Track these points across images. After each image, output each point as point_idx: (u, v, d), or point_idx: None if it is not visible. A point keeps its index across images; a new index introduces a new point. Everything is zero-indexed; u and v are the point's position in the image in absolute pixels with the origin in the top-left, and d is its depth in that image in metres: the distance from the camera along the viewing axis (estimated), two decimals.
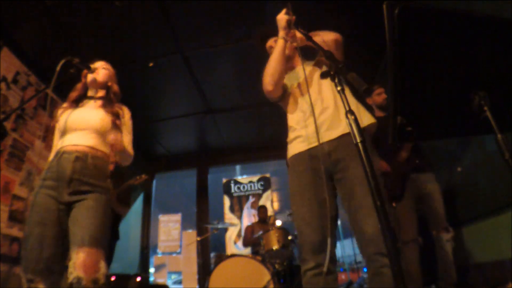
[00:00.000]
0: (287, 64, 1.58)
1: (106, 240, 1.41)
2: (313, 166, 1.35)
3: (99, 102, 1.67)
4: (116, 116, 1.62)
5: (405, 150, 2.34)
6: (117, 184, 2.14)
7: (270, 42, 1.67)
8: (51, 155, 1.57)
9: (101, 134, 1.57)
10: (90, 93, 1.74)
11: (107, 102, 1.66)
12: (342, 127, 1.36)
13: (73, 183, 1.43)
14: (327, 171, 1.35)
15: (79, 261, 1.27)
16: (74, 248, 1.30)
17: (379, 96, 2.57)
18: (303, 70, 1.44)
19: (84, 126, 1.55)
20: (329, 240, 1.20)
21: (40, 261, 1.30)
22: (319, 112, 1.40)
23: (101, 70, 1.71)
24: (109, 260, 1.46)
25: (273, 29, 1.53)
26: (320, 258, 1.25)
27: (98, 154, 1.54)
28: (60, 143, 1.55)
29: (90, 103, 1.68)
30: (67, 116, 1.58)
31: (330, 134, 1.36)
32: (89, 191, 1.43)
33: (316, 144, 1.34)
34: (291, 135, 1.50)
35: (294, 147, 1.45)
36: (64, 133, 1.56)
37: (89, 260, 1.27)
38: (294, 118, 1.51)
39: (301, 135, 1.43)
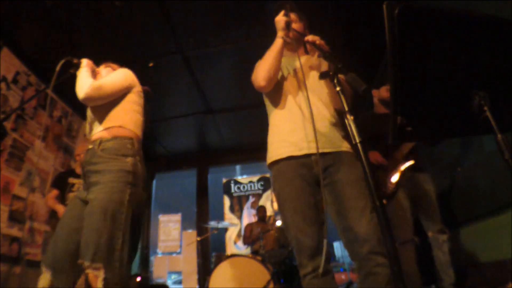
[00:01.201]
0: (289, 46, 1.57)
1: (111, 248, 1.25)
2: (301, 172, 1.34)
3: None
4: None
5: (405, 148, 2.33)
6: None
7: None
8: None
9: (108, 109, 1.51)
10: None
11: None
12: (335, 144, 1.38)
13: (86, 176, 1.42)
14: (314, 177, 1.35)
15: (83, 278, 1.24)
16: (80, 260, 1.27)
17: (387, 92, 2.51)
18: (301, 73, 1.44)
19: (90, 121, 1.57)
20: (325, 242, 1.20)
21: (52, 254, 1.36)
22: (314, 120, 1.36)
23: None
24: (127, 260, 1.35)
25: (287, 5, 1.52)
26: (317, 262, 1.26)
27: (108, 136, 1.45)
28: None
29: None
30: (85, 123, 1.64)
31: (321, 148, 1.34)
32: (95, 183, 1.34)
33: (305, 152, 1.35)
34: (276, 136, 1.46)
35: (279, 152, 1.41)
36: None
37: (89, 279, 1.23)
38: (281, 118, 1.47)
39: (288, 140, 1.40)
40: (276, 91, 1.53)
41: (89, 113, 1.60)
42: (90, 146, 1.45)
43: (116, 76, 1.56)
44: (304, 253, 1.28)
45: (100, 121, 1.51)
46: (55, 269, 1.32)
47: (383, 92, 2.51)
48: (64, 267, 1.33)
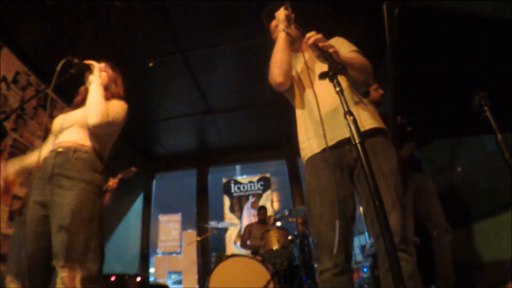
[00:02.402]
0: (292, 46, 1.55)
1: (86, 249, 1.28)
2: (333, 163, 1.31)
3: None
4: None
5: (408, 147, 2.33)
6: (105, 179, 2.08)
7: (275, 22, 1.60)
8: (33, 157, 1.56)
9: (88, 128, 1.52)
10: None
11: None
12: (361, 126, 1.31)
13: (55, 178, 1.38)
14: (348, 167, 1.33)
15: (60, 279, 1.23)
16: (54, 262, 1.26)
17: (375, 91, 2.52)
18: (308, 69, 1.43)
19: (70, 124, 1.54)
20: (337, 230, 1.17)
21: (18, 262, 1.29)
22: (333, 110, 1.36)
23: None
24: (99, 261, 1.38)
25: (279, 8, 1.51)
26: (337, 258, 1.23)
27: (83, 148, 1.47)
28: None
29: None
30: (61, 119, 1.58)
31: (346, 132, 1.29)
32: (68, 188, 1.34)
33: (334, 142, 1.32)
34: (304, 134, 1.46)
35: (310, 147, 1.40)
36: (56, 135, 1.56)
37: (66, 278, 1.22)
38: (305, 114, 1.47)
39: (316, 134, 1.39)
40: (293, 89, 1.54)
41: (69, 116, 1.58)
42: (60, 150, 1.44)
43: (121, 113, 1.61)
44: (324, 249, 1.26)
45: (78, 131, 1.52)
46: (26, 276, 1.27)
47: (372, 93, 2.51)
48: (36, 272, 1.29)
